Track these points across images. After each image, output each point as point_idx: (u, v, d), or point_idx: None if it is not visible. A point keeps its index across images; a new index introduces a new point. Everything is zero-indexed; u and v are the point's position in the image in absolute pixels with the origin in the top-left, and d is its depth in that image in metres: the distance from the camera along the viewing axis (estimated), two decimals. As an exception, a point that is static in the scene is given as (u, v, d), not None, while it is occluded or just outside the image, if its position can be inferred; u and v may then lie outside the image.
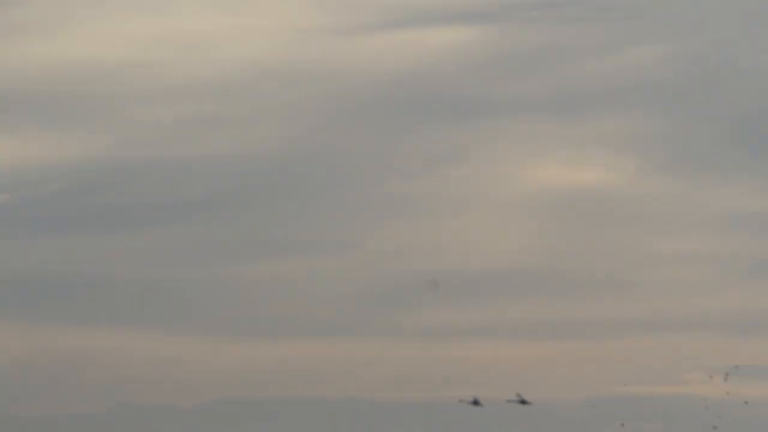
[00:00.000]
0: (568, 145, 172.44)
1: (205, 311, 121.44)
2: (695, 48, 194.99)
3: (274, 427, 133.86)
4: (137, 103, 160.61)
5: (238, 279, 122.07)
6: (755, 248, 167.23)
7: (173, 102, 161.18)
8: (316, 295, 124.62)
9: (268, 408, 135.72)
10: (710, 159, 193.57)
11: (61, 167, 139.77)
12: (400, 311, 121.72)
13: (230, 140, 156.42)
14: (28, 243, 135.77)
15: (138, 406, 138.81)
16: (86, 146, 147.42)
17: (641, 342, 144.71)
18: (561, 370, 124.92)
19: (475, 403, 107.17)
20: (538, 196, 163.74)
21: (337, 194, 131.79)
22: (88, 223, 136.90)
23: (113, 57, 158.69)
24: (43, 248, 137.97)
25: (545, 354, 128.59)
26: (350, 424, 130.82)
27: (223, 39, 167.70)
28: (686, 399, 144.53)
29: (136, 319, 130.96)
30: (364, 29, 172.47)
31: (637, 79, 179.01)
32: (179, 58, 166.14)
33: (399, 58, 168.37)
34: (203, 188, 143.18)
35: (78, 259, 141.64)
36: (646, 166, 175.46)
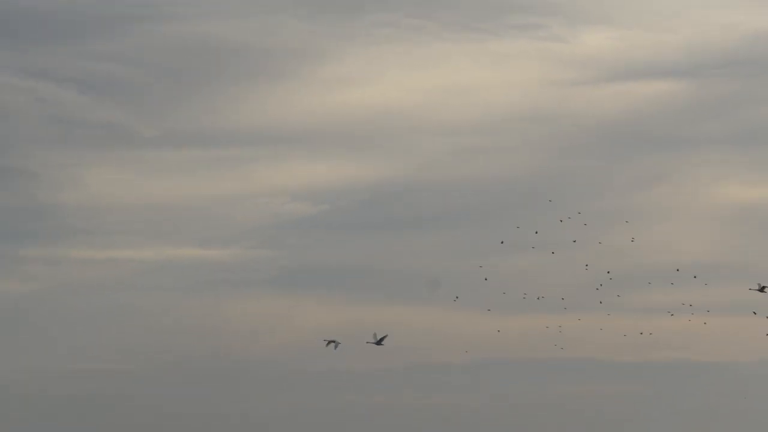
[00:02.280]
0: (746, 168, 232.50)
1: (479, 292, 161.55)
2: None
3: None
4: (424, 136, 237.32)
5: (502, 269, 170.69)
6: None
7: (449, 135, 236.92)
8: (556, 281, 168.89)
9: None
10: None
11: (368, 183, 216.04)
12: (622, 294, 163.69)
13: (491, 165, 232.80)
14: (343, 240, 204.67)
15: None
16: (386, 168, 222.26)
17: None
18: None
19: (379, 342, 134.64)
20: (723, 207, 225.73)
21: (569, 206, 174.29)
22: (386, 225, 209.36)
23: (407, 101, 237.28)
24: (355, 244, 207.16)
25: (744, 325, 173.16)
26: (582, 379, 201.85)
27: (485, 87, 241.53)
28: None
29: (416, 299, 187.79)
30: (592, 81, 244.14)
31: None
32: (453, 102, 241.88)
33: (617, 103, 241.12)
34: (471, 200, 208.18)
35: (378, 253, 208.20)
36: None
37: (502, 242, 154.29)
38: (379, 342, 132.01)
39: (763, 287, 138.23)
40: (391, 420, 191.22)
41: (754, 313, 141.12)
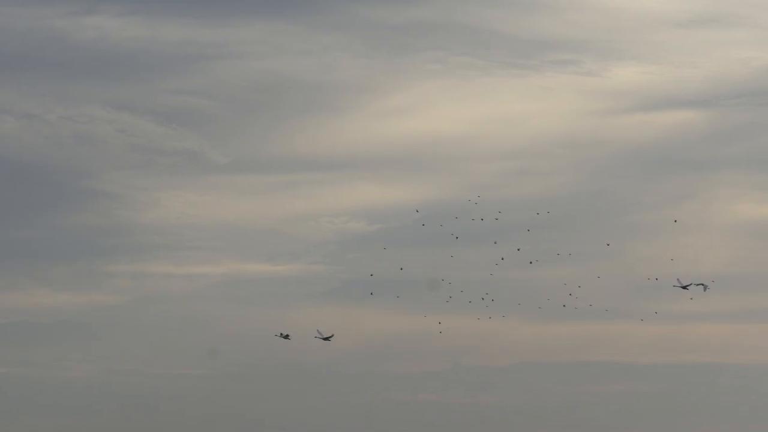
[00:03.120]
0: (760, 189, 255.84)
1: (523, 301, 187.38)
2: None
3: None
4: (470, 162, 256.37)
5: (544, 280, 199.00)
6: None
7: (493, 161, 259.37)
8: (595, 290, 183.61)
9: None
10: None
11: (419, 204, 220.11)
12: (655, 300, 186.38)
13: (533, 186, 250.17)
14: (397, 255, 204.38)
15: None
16: (435, 190, 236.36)
17: None
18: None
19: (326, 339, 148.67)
20: (740, 223, 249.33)
21: (604, 222, 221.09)
22: (435, 242, 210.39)
23: (455, 130, 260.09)
24: (407, 259, 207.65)
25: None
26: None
27: (526, 118, 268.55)
28: None
29: (464, 308, 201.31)
30: (622, 111, 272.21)
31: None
32: (496, 130, 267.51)
33: (645, 131, 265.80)
34: (515, 217, 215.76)
35: (428, 267, 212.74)
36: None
37: (705, 286, 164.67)
38: (326, 338, 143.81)
39: (686, 285, 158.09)
40: (439, 416, 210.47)
41: None
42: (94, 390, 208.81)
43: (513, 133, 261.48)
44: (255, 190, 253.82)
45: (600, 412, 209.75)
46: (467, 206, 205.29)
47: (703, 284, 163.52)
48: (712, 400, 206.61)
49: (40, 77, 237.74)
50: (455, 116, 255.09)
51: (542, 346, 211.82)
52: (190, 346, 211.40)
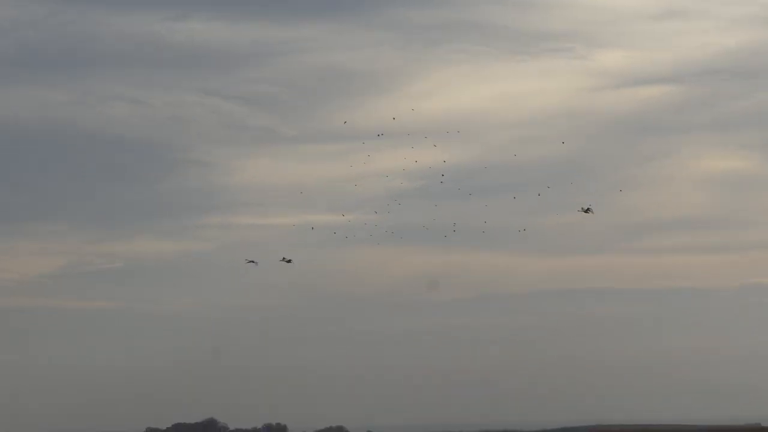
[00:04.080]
0: (719, 148, 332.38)
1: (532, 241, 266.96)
2: None
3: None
4: (488, 130, 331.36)
5: (547, 224, 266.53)
6: None
7: (506, 129, 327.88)
8: (589, 232, 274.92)
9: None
10: None
11: (449, 165, 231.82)
12: (638, 238, 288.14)
13: (538, 149, 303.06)
14: (433, 206, 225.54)
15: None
16: (462, 154, 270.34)
17: None
18: None
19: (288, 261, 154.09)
20: (703, 175, 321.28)
21: (595, 177, 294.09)
22: (463, 195, 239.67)
23: (475, 106, 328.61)
24: (442, 209, 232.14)
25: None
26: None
27: (530, 94, 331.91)
28: None
29: (487, 247, 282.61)
30: (607, 88, 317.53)
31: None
32: (508, 105, 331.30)
33: (626, 103, 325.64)
34: (525, 175, 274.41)
35: (459, 215, 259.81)
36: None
37: (590, 210, 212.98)
38: (287, 261, 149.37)
39: (587, 209, 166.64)
40: (467, 336, 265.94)
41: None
42: (189, 320, 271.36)
43: (519, 107, 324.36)
44: (317, 157, 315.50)
45: (595, 327, 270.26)
46: (487, 166, 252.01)
47: (590, 208, 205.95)
48: (680, 316, 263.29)
49: (144, 70, 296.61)
50: (473, 94, 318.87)
51: (550, 277, 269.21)
52: (267, 283, 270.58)
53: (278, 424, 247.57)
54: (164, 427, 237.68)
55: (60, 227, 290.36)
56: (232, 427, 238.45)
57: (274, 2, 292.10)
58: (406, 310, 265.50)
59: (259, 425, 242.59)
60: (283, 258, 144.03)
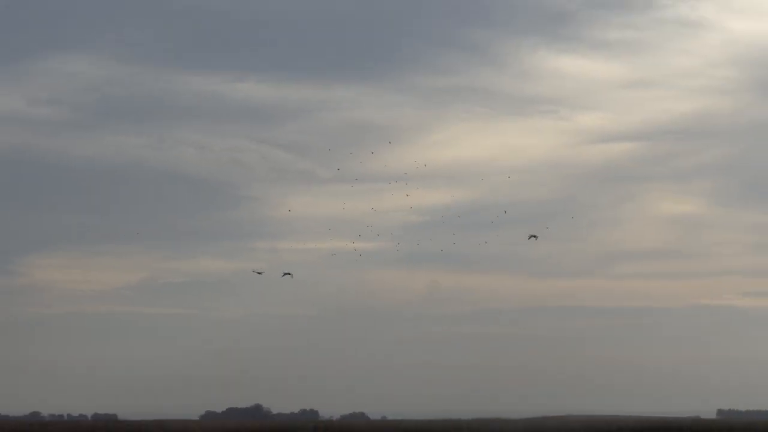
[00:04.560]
0: (675, 194, 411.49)
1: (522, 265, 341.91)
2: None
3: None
4: (489, 175, 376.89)
5: (535, 252, 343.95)
6: None
7: (505, 173, 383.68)
8: (567, 260, 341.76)
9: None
10: None
11: (456, 202, 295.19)
12: (609, 266, 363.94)
13: (530, 191, 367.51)
14: (439, 237, 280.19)
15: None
16: (468, 193, 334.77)
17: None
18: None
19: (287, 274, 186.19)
20: (664, 216, 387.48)
21: (575, 215, 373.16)
22: (465, 228, 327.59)
23: (480, 155, 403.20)
24: (446, 239, 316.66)
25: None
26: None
27: (524, 147, 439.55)
28: None
29: (486, 271, 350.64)
30: (585, 143, 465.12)
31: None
32: (507, 155, 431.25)
33: (600, 156, 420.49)
34: (519, 212, 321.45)
35: (462, 243, 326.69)
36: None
37: (536, 237, 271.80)
38: (286, 274, 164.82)
39: (533, 236, 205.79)
40: (465, 344, 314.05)
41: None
42: (242, 326, 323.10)
43: (514, 157, 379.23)
44: (346, 195, 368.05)
45: (573, 338, 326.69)
46: (490, 204, 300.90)
47: (536, 236, 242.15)
48: (644, 331, 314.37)
49: (209, 121, 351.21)
50: (476, 146, 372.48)
51: (534, 296, 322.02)
52: (305, 295, 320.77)
53: (311, 410, 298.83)
54: (220, 411, 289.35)
55: (137, 248, 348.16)
56: (274, 411, 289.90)
57: (314, 69, 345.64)
58: (415, 319, 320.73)
59: (296, 410, 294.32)
60: (285, 273, 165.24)
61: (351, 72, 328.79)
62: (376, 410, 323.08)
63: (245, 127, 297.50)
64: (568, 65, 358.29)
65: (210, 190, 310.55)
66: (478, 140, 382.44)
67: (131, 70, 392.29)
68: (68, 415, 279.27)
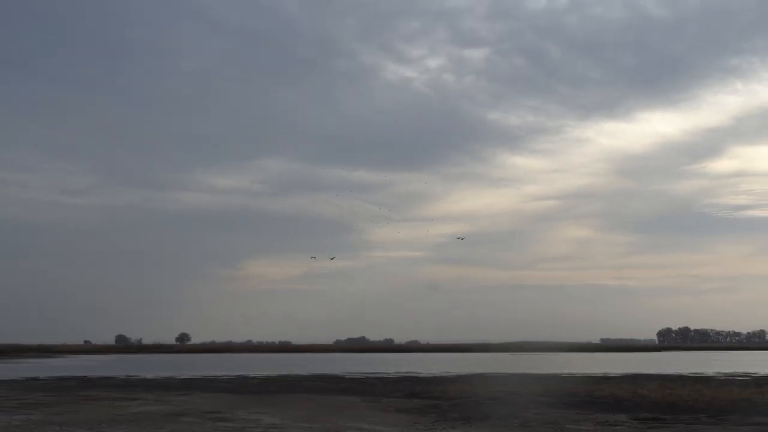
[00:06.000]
0: (573, 227, 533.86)
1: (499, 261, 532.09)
2: None
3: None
4: (478, 220, 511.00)
5: (501, 265, 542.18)
6: None
7: (485, 219, 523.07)
8: (511, 262, 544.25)
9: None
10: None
11: (460, 234, 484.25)
12: (539, 265, 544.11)
13: (502, 231, 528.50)
14: (456, 249, 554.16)
15: None
16: (467, 228, 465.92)
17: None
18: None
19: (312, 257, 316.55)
20: (571, 239, 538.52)
21: (528, 242, 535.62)
22: (466, 246, 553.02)
23: (474, 210, 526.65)
24: (458, 251, 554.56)
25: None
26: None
27: (496, 205, 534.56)
28: None
29: (488, 265, 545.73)
30: (530, 201, 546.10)
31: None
32: (487, 209, 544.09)
33: (536, 209, 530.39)
34: (488, 241, 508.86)
35: (469, 255, 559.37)
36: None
37: (462, 239, 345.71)
38: (332, 258, 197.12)
39: (461, 238, 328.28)
40: (465, 304, 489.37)
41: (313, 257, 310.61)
42: (353, 296, 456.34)
43: (491, 212, 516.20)
44: (406, 228, 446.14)
45: (516, 302, 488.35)
46: (479, 236, 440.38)
47: (462, 237, 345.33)
48: (556, 299, 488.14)
49: (338, 193, 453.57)
50: (475, 203, 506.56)
51: (500, 280, 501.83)
52: (387, 286, 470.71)
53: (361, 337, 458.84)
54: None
55: (302, 255, 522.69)
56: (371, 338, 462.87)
57: (388, 163, 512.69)
58: (444, 292, 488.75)
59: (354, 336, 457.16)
60: (332, 257, 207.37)
61: (408, 165, 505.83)
62: (402, 337, 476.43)
63: (354, 194, 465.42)
64: (520, 161, 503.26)
65: (332, 228, 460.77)
66: (476, 200, 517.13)
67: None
68: (258, 341, 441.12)
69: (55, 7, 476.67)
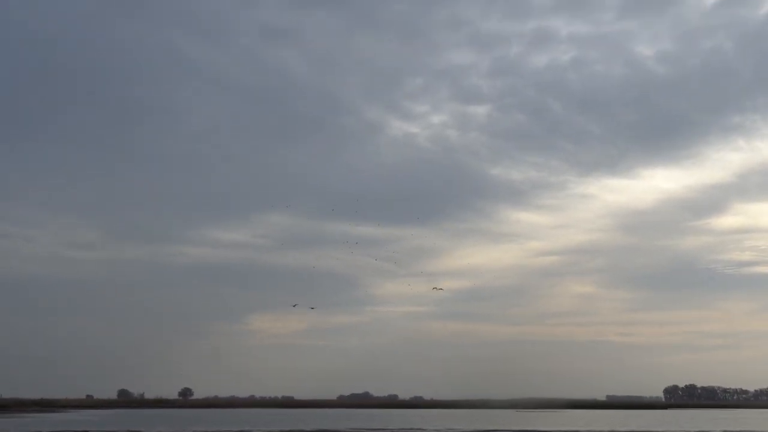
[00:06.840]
0: (578, 281, 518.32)
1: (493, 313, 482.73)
2: None
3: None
4: (484, 273, 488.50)
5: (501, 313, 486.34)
6: None
7: (492, 272, 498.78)
8: (517, 314, 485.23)
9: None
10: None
11: (466, 287, 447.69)
12: (546, 320, 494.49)
13: (507, 284, 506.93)
14: (459, 302, 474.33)
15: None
16: (475, 281, 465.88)
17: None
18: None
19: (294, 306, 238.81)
20: (575, 294, 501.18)
21: (534, 295, 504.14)
22: (471, 299, 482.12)
23: (478, 263, 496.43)
24: (461, 306, 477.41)
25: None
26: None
27: (501, 259, 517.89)
28: None
29: (484, 318, 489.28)
30: (534, 256, 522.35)
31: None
32: (492, 263, 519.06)
33: (540, 264, 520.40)
34: (495, 295, 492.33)
35: (472, 305, 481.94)
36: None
37: (441, 289, 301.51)
38: (294, 306, 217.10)
39: (438, 288, 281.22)
40: (471, 358, 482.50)
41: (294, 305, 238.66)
42: (359, 349, 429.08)
43: (497, 266, 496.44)
44: (411, 282, 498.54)
45: (523, 356, 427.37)
46: (485, 289, 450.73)
47: (439, 288, 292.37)
48: (563, 353, 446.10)
49: (348, 248, 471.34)
50: (475, 259, 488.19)
51: (507, 335, 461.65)
52: (388, 331, 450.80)
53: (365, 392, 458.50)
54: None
55: (307, 311, 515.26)
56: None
57: (396, 220, 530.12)
58: (449, 347, 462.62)
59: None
60: (293, 305, 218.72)
61: (413, 221, 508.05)
62: (408, 393, 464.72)
63: (367, 250, 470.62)
64: (524, 217, 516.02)
65: (342, 283, 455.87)
66: (477, 256, 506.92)
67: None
68: (261, 396, 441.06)
69: (65, 68, 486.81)
